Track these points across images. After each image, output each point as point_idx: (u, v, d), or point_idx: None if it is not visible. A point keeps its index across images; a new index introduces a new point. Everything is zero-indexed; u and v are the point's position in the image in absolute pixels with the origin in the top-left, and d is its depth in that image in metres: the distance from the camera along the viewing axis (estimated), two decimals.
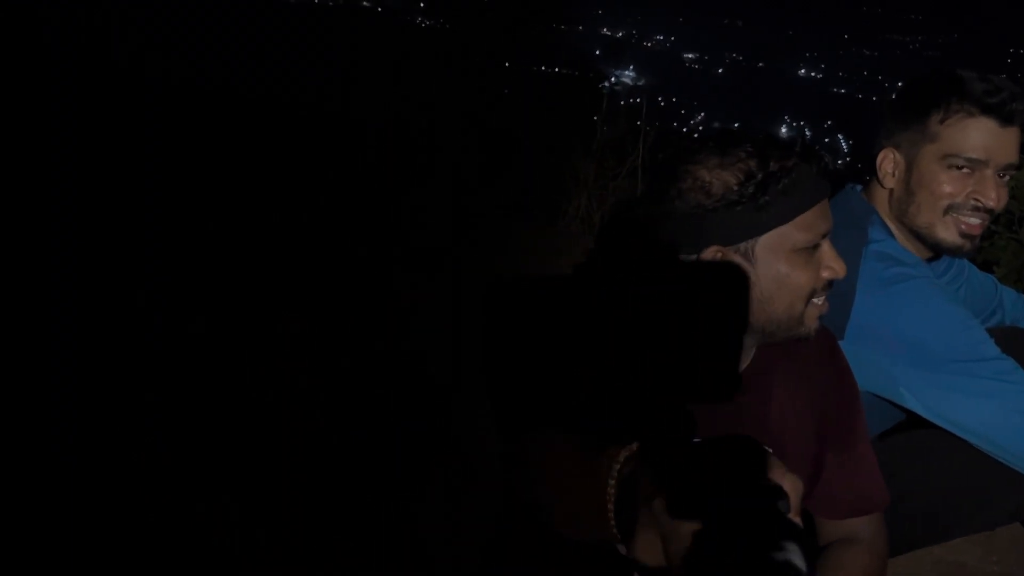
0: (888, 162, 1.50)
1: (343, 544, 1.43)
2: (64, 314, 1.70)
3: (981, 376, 1.32)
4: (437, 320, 1.72)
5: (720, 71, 72.21)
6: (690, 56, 74.24)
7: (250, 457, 1.52)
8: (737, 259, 1.06)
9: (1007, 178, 1.46)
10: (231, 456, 1.52)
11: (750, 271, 1.07)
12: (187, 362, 1.66)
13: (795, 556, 0.64)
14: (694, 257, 1.08)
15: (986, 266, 2.54)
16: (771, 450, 1.15)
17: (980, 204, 1.43)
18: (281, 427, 1.55)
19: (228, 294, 1.84)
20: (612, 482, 0.82)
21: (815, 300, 1.09)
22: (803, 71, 77.37)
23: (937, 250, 1.50)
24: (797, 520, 0.87)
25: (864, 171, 1.60)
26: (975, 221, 1.45)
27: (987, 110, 1.40)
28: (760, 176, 1.03)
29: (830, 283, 1.11)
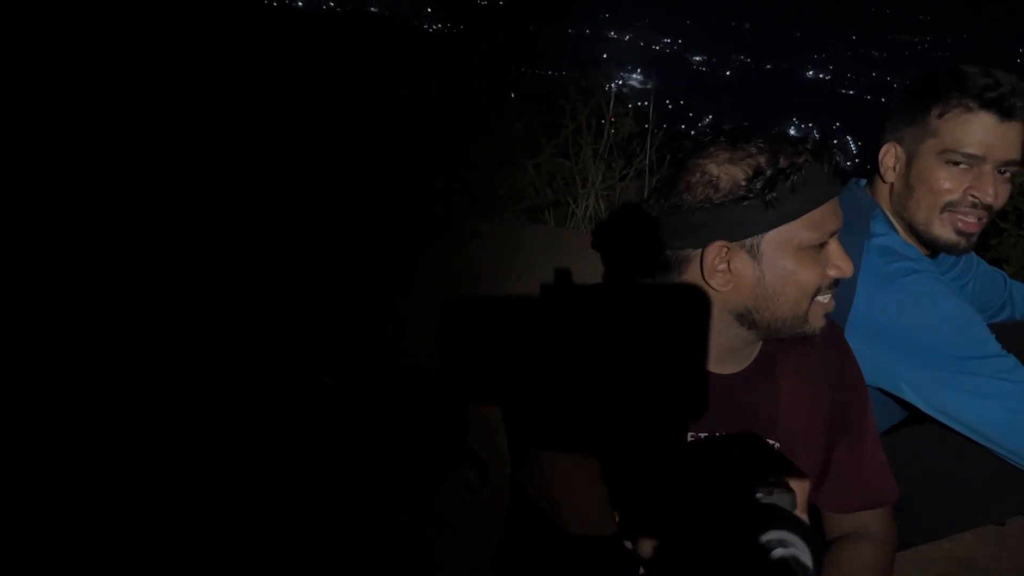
0: (890, 156, 1.49)
1: (343, 544, 1.42)
2: (64, 314, 1.71)
3: (982, 374, 1.31)
4: (439, 320, 1.70)
5: (728, 73, 72.21)
6: (698, 58, 74.30)
7: (250, 457, 1.51)
8: (742, 255, 1.05)
9: (1008, 174, 1.43)
10: (231, 456, 1.52)
11: (755, 267, 1.05)
12: (187, 362, 1.66)
13: (801, 552, 0.63)
14: (698, 252, 1.07)
15: (996, 264, 2.51)
16: (778, 445, 1.14)
17: (978, 200, 1.41)
18: (281, 427, 1.55)
19: (228, 294, 1.83)
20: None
21: (820, 298, 1.09)
22: (811, 72, 77.30)
23: (933, 247, 1.48)
24: (803, 516, 0.85)
25: (872, 171, 1.58)
26: (972, 219, 1.43)
27: (985, 105, 1.38)
28: (769, 172, 1.02)
29: (836, 281, 1.09)
